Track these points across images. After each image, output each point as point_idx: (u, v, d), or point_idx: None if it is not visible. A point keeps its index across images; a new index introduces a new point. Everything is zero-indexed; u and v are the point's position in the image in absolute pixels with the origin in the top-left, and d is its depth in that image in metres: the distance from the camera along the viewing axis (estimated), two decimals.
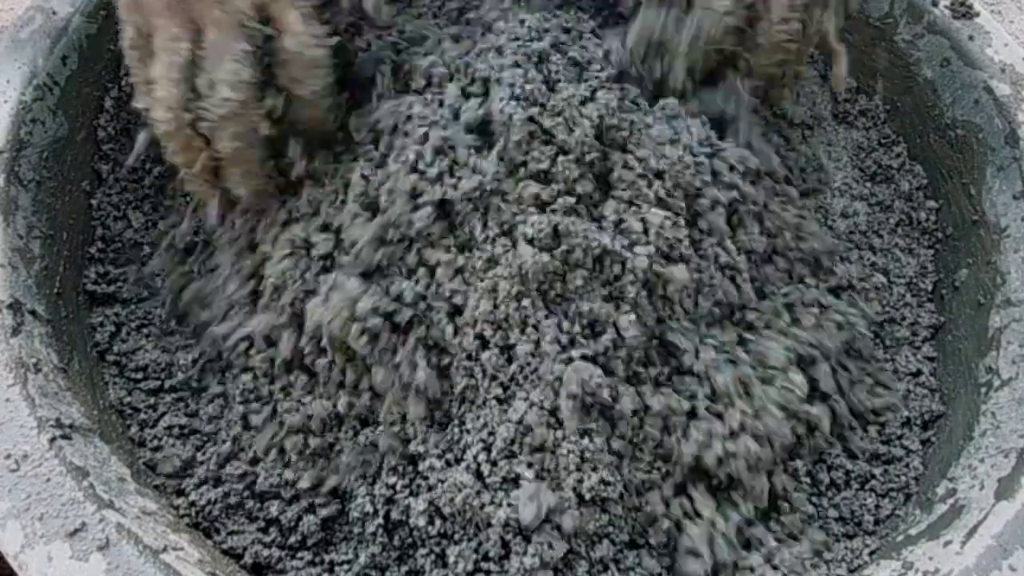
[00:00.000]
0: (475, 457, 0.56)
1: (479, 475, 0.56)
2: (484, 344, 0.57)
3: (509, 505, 0.54)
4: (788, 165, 0.75)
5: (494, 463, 0.56)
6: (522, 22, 0.64)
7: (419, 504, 0.56)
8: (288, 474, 0.59)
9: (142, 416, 0.63)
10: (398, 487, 0.57)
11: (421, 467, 0.57)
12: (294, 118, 0.58)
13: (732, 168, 0.63)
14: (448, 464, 0.57)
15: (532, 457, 0.55)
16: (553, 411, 0.55)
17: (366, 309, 0.56)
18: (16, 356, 0.54)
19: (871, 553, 0.59)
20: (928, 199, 0.76)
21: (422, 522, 0.56)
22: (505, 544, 0.55)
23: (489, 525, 0.55)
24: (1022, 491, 0.55)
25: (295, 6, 0.55)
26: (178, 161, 0.59)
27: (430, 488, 0.57)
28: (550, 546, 0.54)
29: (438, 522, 0.56)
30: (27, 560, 0.47)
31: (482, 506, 0.55)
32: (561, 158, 0.58)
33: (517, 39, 0.62)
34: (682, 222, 0.59)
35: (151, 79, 0.55)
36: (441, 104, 0.61)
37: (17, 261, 0.60)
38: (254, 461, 0.60)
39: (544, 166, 0.58)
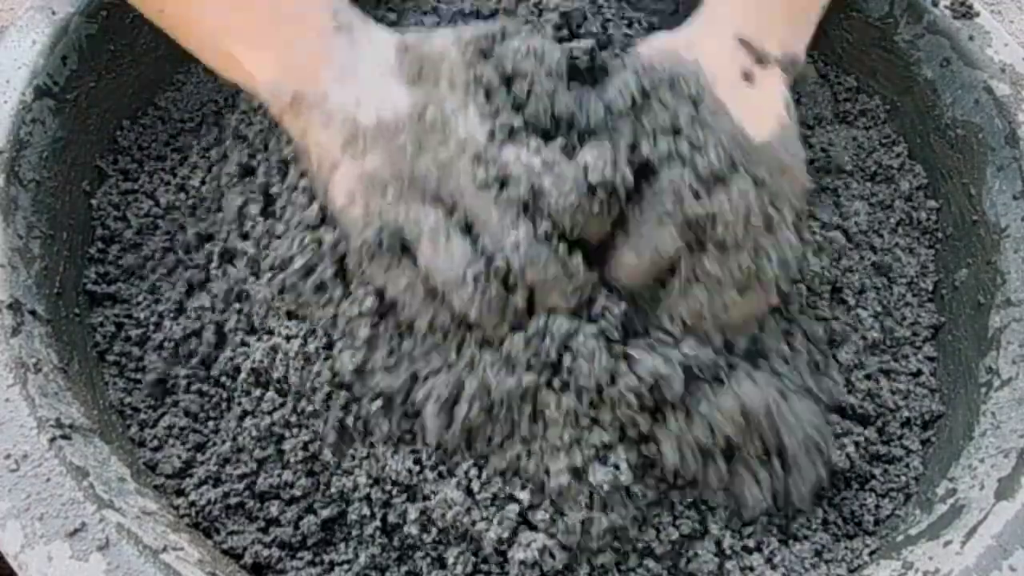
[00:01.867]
0: (466, 473, 0.56)
1: (469, 491, 0.56)
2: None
3: (499, 523, 0.54)
4: None
5: (486, 480, 0.55)
6: None
7: (412, 512, 0.56)
8: (287, 475, 0.59)
9: (142, 416, 0.63)
10: (394, 492, 0.57)
11: (415, 479, 0.57)
12: None
13: None
14: (440, 476, 0.57)
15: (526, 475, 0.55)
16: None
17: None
18: (16, 356, 0.54)
19: (871, 553, 0.59)
20: (928, 199, 0.76)
21: (415, 530, 0.56)
22: (502, 553, 0.55)
23: (480, 540, 0.54)
24: (1022, 491, 0.55)
25: None
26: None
27: (425, 498, 0.56)
28: (551, 555, 0.53)
29: (432, 530, 0.56)
30: (27, 560, 0.47)
31: (473, 523, 0.55)
32: None
33: None
34: None
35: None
36: None
37: (17, 261, 0.60)
38: (254, 461, 0.60)
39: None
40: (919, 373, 0.69)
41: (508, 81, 0.55)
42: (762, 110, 0.58)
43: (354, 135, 0.53)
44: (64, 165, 0.67)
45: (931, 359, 0.70)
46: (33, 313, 0.58)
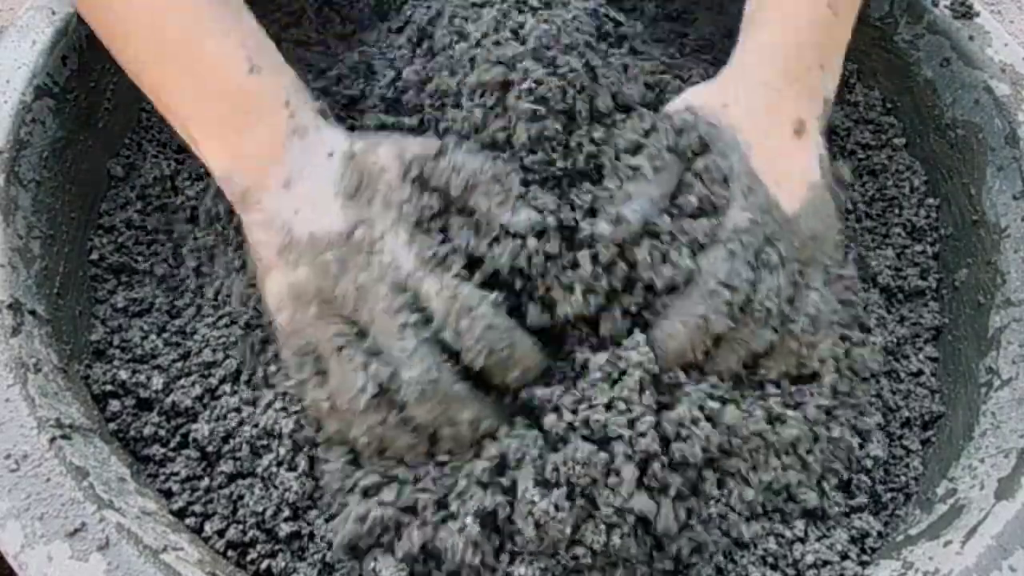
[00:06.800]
0: None
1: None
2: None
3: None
4: None
5: None
6: None
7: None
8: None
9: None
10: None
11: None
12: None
13: None
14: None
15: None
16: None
17: None
18: (16, 356, 0.55)
19: (871, 552, 0.59)
20: (928, 199, 0.76)
21: None
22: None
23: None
24: (1022, 491, 0.55)
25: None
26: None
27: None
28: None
29: None
30: (27, 560, 0.47)
31: None
32: None
33: None
34: None
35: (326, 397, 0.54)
36: None
37: (17, 261, 0.60)
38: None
39: None
40: (919, 373, 0.69)
41: (447, 204, 0.55)
42: (795, 176, 0.58)
43: (288, 244, 0.54)
44: (64, 165, 0.67)
45: (933, 359, 0.70)
46: (33, 313, 0.58)
